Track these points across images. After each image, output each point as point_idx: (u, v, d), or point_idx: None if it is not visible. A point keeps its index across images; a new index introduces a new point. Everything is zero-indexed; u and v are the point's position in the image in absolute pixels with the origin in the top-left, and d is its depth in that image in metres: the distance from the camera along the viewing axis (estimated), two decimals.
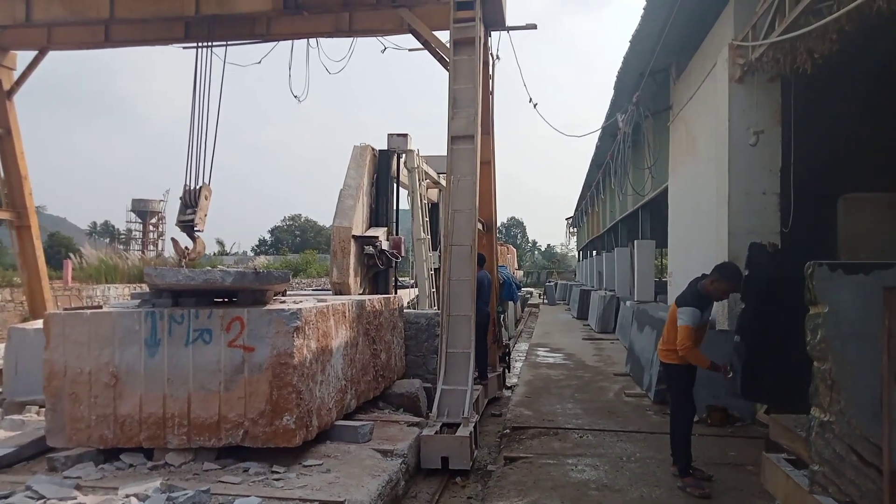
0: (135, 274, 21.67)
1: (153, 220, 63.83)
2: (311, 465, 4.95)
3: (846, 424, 3.06)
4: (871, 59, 8.28)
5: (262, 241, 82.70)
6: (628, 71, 10.40)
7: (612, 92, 12.28)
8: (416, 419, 6.79)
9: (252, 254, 70.10)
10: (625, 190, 14.43)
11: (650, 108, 11.71)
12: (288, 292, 7.69)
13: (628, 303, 14.83)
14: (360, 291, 10.03)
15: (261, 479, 4.63)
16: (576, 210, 35.95)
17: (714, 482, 5.13)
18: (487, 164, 9.10)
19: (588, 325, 19.53)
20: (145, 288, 5.57)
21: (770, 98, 6.93)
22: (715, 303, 5.49)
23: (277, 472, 4.74)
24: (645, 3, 8.31)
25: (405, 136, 10.96)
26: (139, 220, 63.82)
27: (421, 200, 12.08)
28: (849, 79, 8.57)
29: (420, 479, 5.73)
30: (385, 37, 9.63)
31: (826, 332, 3.08)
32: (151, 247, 60.29)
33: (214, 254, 55.88)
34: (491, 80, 9.27)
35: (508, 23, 9.05)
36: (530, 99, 10.25)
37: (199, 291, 5.24)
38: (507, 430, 7.01)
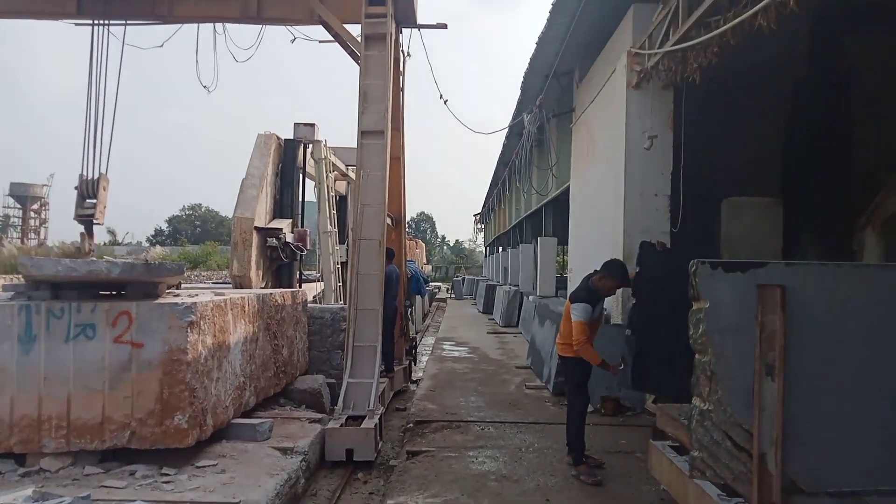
0: (12, 264, 19.95)
1: (35, 206, 59.03)
2: (204, 466, 4.74)
3: (723, 412, 3.28)
4: (752, 73, 8.95)
5: (159, 231, 78.44)
6: (534, 72, 10.67)
7: (519, 92, 12.57)
8: (319, 415, 6.69)
9: (147, 244, 66.38)
10: (529, 189, 14.82)
11: (555, 109, 12.09)
12: (184, 285, 7.34)
13: (531, 298, 15.26)
14: (263, 285, 9.73)
15: (149, 483, 4.39)
16: (483, 206, 36.59)
17: (606, 469, 5.38)
18: (397, 159, 9.19)
19: (493, 319, 19.93)
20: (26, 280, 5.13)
21: (663, 104, 7.32)
22: (608, 298, 5.74)
23: (167, 475, 4.51)
24: (550, 6, 8.55)
25: (312, 125, 10.72)
26: (18, 206, 58.82)
27: (328, 192, 11.88)
28: (733, 91, 9.21)
29: (321, 476, 5.64)
30: (295, 26, 9.37)
31: (707, 326, 3.29)
32: (32, 235, 55.76)
33: (105, 244, 52.39)
34: (402, 77, 9.34)
35: (421, 20, 9.10)
36: (441, 95, 10.34)
37: (83, 284, 4.89)
38: (411, 425, 7.03)
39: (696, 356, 3.39)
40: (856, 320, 3.18)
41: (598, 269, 5.43)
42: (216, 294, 5.92)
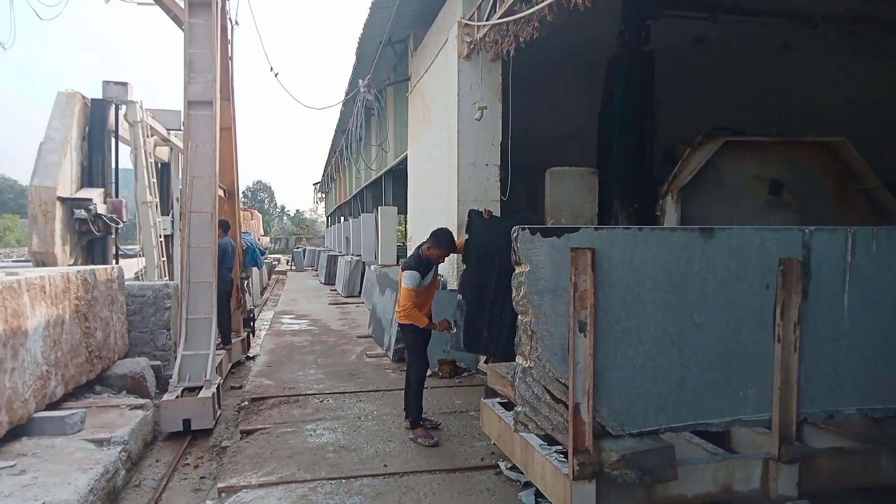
0: None
1: None
2: None
3: (542, 368, 3.50)
4: (573, 51, 9.53)
5: None
6: (369, 38, 10.50)
7: (355, 58, 12.30)
8: (142, 401, 6.24)
9: None
10: (367, 158, 14.70)
11: (391, 77, 12.03)
12: None
13: (373, 267, 15.27)
14: (71, 262, 8.74)
15: None
16: (323, 175, 35.75)
17: (441, 430, 5.58)
18: (228, 130, 8.92)
19: (335, 290, 19.71)
20: None
21: (492, 76, 7.56)
22: (442, 265, 5.90)
23: None
24: None
25: (125, 84, 9.70)
26: None
27: (147, 159, 10.87)
28: (556, 66, 9.76)
29: (145, 466, 5.26)
30: None
31: (527, 289, 3.46)
32: None
33: None
34: (230, 46, 9.01)
35: None
36: (271, 68, 9.89)
37: None
38: (246, 403, 6.77)
39: (519, 317, 3.58)
40: (653, 278, 3.53)
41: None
42: (8, 274, 5.20)
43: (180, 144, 10.08)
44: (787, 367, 3.65)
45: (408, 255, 5.85)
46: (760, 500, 3.74)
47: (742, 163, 7.31)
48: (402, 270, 5.42)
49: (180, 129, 9.74)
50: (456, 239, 5.60)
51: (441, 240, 5.40)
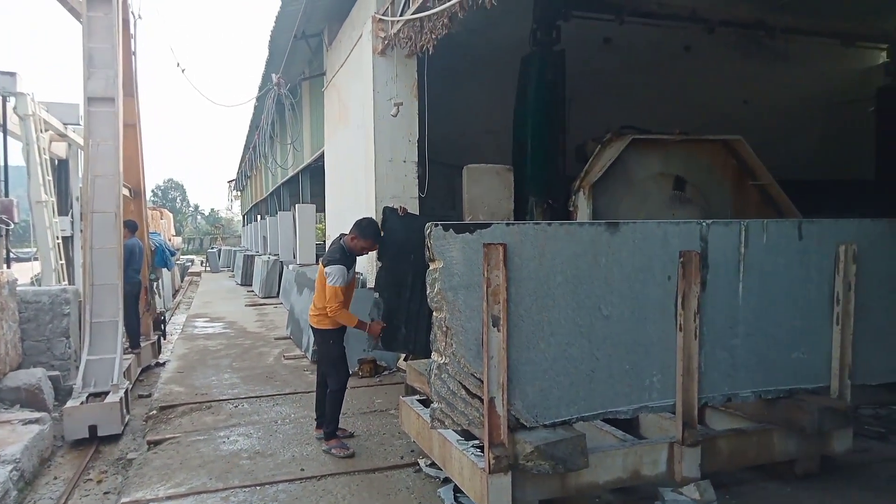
0: None
1: None
2: None
3: (457, 364, 3.51)
4: (488, 49, 9.65)
5: None
6: (281, 32, 10.22)
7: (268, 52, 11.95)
8: (38, 414, 5.84)
9: None
10: (281, 154, 14.35)
11: (306, 72, 11.77)
12: None
13: (291, 266, 14.92)
14: None
15: None
16: (238, 172, 34.60)
17: (357, 437, 5.39)
18: (133, 126, 8.66)
19: (252, 291, 19.12)
20: None
21: (408, 73, 7.52)
22: (361, 262, 5.78)
23: None
24: None
25: (13, 74, 9.03)
26: None
27: (41, 155, 10.14)
28: (473, 64, 9.85)
29: (41, 484, 4.91)
30: None
31: (441, 285, 3.46)
32: None
33: None
34: (133, 40, 8.76)
35: None
36: (178, 64, 9.46)
37: None
38: (154, 412, 6.44)
39: (434, 313, 3.57)
40: (562, 271, 3.61)
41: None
42: None
43: (79, 140, 9.51)
44: (688, 354, 3.83)
45: (327, 249, 5.43)
46: (667, 482, 3.92)
47: (648, 160, 7.62)
48: (325, 265, 4.97)
49: (79, 124, 9.20)
50: None
51: (366, 230, 5.01)
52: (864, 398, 5.70)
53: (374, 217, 7.42)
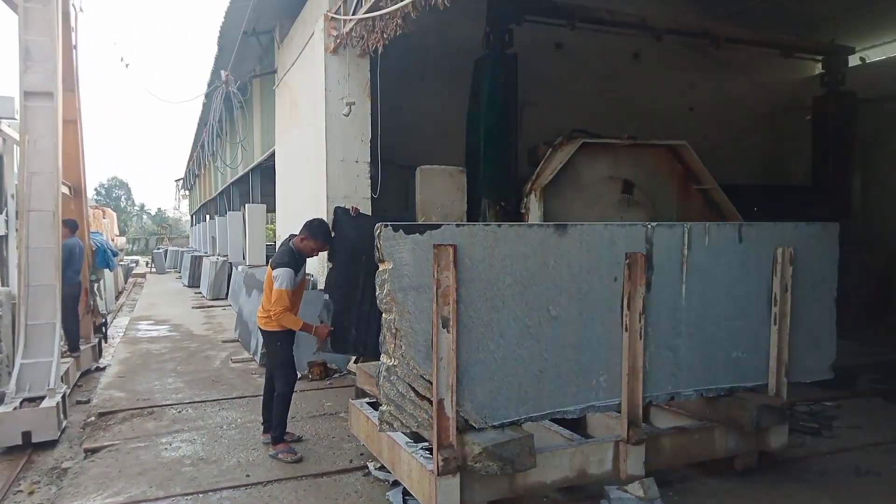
0: None
1: None
2: None
3: (406, 366, 3.49)
4: (442, 51, 9.67)
5: None
6: (231, 27, 10.00)
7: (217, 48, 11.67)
8: None
9: None
10: (231, 153, 14.05)
11: (257, 69, 11.55)
12: None
13: (240, 268, 14.61)
14: None
15: None
16: (186, 171, 33.70)
17: (305, 441, 5.29)
18: (73, 123, 8.42)
19: (200, 293, 18.64)
20: None
21: (360, 72, 7.46)
22: (312, 263, 5.67)
23: None
24: None
25: None
26: None
27: None
28: (426, 66, 9.85)
29: None
30: None
31: (391, 286, 3.43)
32: None
33: None
34: (74, 34, 8.47)
35: None
36: (122, 59, 9.22)
37: None
38: (93, 418, 6.19)
39: (383, 315, 3.54)
40: (512, 273, 3.63)
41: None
42: None
43: (14, 135, 9.10)
44: (633, 354, 3.91)
45: (277, 251, 5.28)
46: (612, 480, 3.98)
47: (598, 164, 7.76)
48: (273, 268, 4.91)
49: (14, 118, 8.82)
50: None
51: (317, 231, 4.96)
52: (799, 395, 5.94)
53: (326, 216, 7.36)
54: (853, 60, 11.60)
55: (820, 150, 11.18)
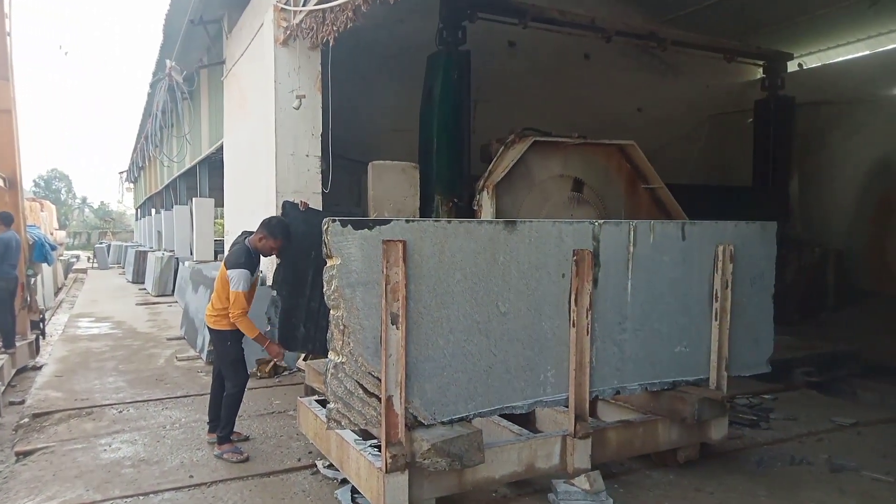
0: None
1: None
2: None
3: (354, 363, 3.45)
4: (396, 46, 9.61)
5: None
6: (177, 15, 9.70)
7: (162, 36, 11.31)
8: None
9: None
10: (178, 146, 13.65)
11: (204, 59, 11.25)
12: None
13: (187, 263, 14.22)
14: None
15: None
16: (130, 163, 32.56)
17: (254, 439, 5.21)
18: (8, 112, 8.19)
19: (145, 289, 18.09)
20: None
21: (311, 65, 7.34)
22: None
23: None
24: None
25: None
26: None
27: None
28: (380, 61, 9.78)
29: None
30: None
31: (339, 282, 3.39)
32: None
33: None
34: (7, 20, 8.18)
35: None
36: (60, 46, 8.88)
37: None
38: (26, 420, 5.93)
39: (332, 312, 3.49)
40: (462, 269, 3.63)
41: (255, 229, 5.06)
42: None
43: None
44: (580, 349, 3.96)
45: (228, 250, 5.06)
46: (560, 474, 4.04)
47: (549, 162, 7.84)
48: (229, 268, 4.73)
49: None
50: None
51: (276, 230, 4.80)
52: (739, 388, 6.16)
53: (275, 211, 7.22)
54: (792, 66, 12.09)
55: (760, 152, 11.61)
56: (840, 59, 13.31)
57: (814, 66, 13.52)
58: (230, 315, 4.72)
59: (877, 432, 5.44)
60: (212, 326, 4.97)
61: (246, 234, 5.05)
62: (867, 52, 12.86)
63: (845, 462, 4.62)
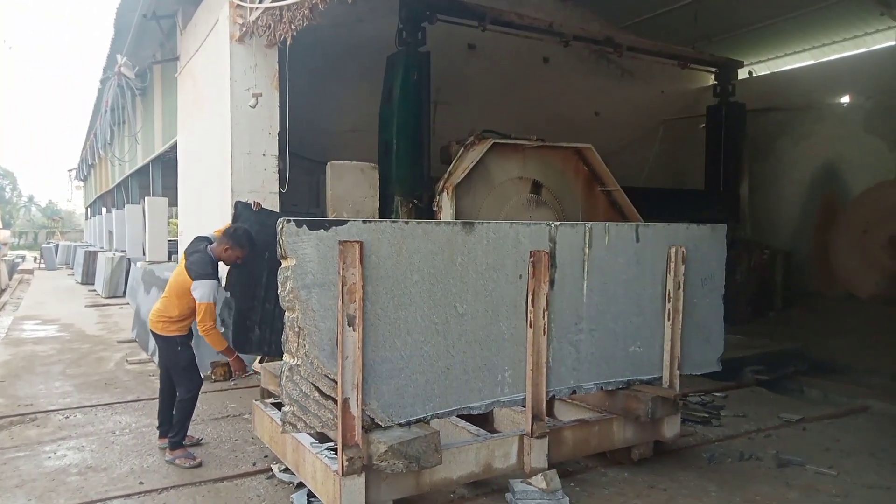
0: None
1: None
2: None
3: (310, 365, 3.41)
4: (356, 46, 9.54)
5: None
6: (129, 9, 9.42)
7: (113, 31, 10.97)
8: None
9: None
10: (129, 144, 13.29)
11: (158, 55, 10.97)
12: None
13: (139, 264, 13.82)
14: None
15: None
16: (80, 161, 31.51)
17: (207, 444, 5.10)
18: None
19: (95, 290, 17.51)
20: None
21: (268, 63, 7.22)
22: None
23: None
24: None
25: None
26: None
27: None
28: (339, 60, 9.70)
29: None
30: None
31: (294, 284, 3.34)
32: None
33: None
34: None
35: None
36: (4, 40, 8.46)
37: None
38: None
39: (286, 313, 3.44)
40: (419, 270, 3.62)
41: (213, 237, 4.86)
42: None
43: None
44: (537, 349, 4.00)
45: (187, 257, 4.79)
46: (517, 474, 4.06)
47: (508, 164, 7.90)
48: (195, 279, 4.56)
49: None
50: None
51: (241, 239, 4.69)
52: (691, 387, 6.31)
53: (231, 210, 7.02)
54: (742, 74, 12.47)
55: (712, 156, 11.93)
56: (787, 67, 13.80)
57: (763, 73, 13.98)
58: (200, 328, 4.57)
59: (820, 427, 5.65)
60: (159, 332, 4.81)
61: (201, 240, 4.90)
62: (812, 62, 13.37)
63: (791, 457, 4.78)
